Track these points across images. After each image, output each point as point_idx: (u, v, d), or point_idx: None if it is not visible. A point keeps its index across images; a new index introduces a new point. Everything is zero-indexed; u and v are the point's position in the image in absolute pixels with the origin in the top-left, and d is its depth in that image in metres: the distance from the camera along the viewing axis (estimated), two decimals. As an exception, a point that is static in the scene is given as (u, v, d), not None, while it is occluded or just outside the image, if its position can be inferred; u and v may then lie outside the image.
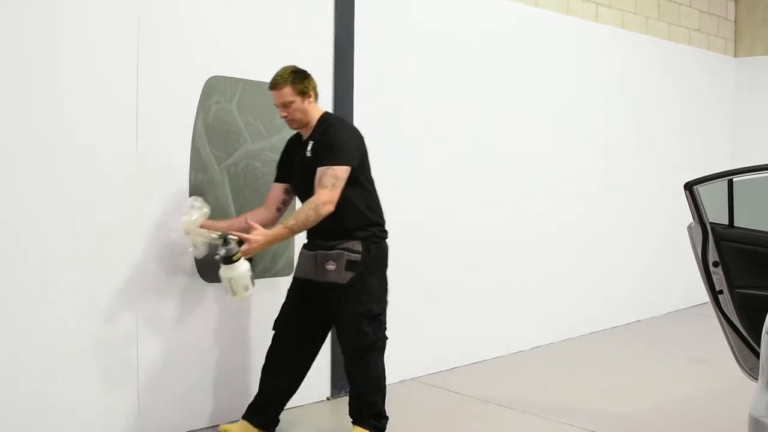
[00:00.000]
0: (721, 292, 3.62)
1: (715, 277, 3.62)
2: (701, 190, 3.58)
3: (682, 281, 6.61)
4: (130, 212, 3.56)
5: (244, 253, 3.39)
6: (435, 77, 4.91)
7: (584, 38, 6.01)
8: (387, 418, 3.66)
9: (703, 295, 3.88)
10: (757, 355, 3.42)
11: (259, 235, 3.37)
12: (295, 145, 3.66)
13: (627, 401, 4.43)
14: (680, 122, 7.02)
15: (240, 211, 3.84)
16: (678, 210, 4.59)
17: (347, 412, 3.69)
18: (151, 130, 3.60)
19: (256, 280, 3.54)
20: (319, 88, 4.25)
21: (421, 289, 4.85)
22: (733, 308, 3.59)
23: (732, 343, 3.65)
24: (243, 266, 3.42)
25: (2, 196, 3.17)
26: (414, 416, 4.16)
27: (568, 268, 5.91)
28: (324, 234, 3.48)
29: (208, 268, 3.64)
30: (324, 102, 4.27)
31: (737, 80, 7.76)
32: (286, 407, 3.77)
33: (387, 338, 3.64)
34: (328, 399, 4.39)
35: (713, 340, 4.42)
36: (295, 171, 3.60)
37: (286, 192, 3.69)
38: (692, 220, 3.67)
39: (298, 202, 3.72)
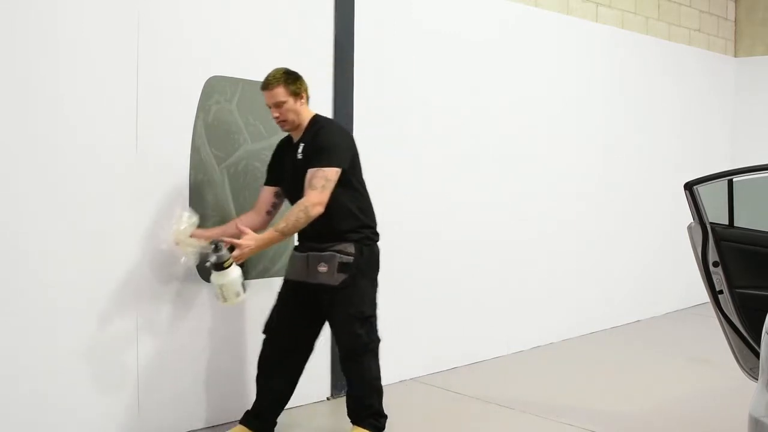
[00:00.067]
0: (721, 292, 3.62)
1: (715, 277, 3.62)
2: (701, 190, 3.58)
3: (682, 281, 6.61)
4: (130, 212, 3.56)
5: (236, 259, 3.37)
6: (435, 77, 4.91)
7: (584, 38, 6.02)
8: (386, 416, 3.66)
9: (703, 295, 3.87)
10: (757, 355, 3.42)
11: (250, 239, 3.35)
12: (285, 147, 3.64)
13: (627, 401, 4.43)
14: (680, 122, 7.02)
15: (240, 211, 3.84)
16: (678, 210, 4.59)
17: (346, 413, 3.69)
18: (151, 130, 3.60)
19: (251, 282, 3.55)
20: (319, 88, 4.28)
21: (421, 289, 4.85)
22: (733, 308, 3.59)
23: (732, 343, 3.65)
24: (234, 272, 3.40)
25: (2, 196, 3.17)
26: (414, 416, 4.16)
27: (568, 268, 5.91)
28: (316, 236, 3.47)
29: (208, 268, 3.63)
30: (324, 102, 4.28)
31: (737, 80, 7.76)
32: (286, 408, 3.77)
33: (380, 340, 3.64)
34: (328, 399, 4.39)
35: (713, 340, 4.41)
36: (286, 173, 3.58)
37: (276, 195, 3.67)
38: (692, 220, 3.67)
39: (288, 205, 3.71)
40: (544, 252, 5.70)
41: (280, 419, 3.73)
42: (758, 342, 3.13)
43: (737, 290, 3.58)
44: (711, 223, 3.61)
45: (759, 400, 2.61)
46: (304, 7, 4.22)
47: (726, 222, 3.67)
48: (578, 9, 5.99)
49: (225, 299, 3.45)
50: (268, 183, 3.70)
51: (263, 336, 3.67)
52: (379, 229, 4.55)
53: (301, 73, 4.16)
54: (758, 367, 2.77)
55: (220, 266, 3.35)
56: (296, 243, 3.62)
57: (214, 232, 3.58)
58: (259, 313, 3.80)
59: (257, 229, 3.54)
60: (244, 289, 3.48)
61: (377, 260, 3.63)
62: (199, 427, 3.87)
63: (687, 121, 7.11)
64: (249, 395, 3.81)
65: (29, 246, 3.26)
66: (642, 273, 6.63)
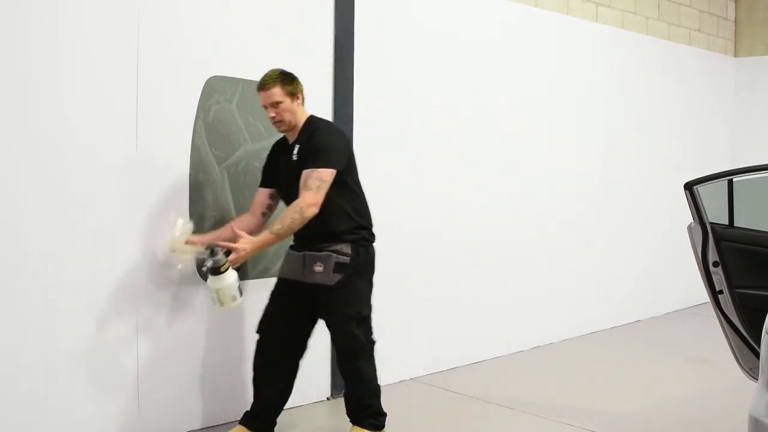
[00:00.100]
0: (721, 292, 3.62)
1: (715, 277, 3.62)
2: (701, 190, 3.58)
3: (682, 281, 6.61)
4: (130, 212, 3.56)
5: (232, 263, 3.36)
6: (435, 77, 4.91)
7: (584, 38, 6.01)
8: (385, 414, 3.66)
9: (703, 295, 3.87)
10: (757, 355, 3.42)
11: (245, 243, 3.35)
12: (281, 149, 3.64)
13: (627, 401, 4.43)
14: (680, 122, 7.02)
15: (240, 211, 3.84)
16: (678, 210, 4.59)
17: (345, 413, 3.69)
18: (151, 130, 3.60)
19: (252, 282, 3.54)
20: (319, 88, 4.28)
21: (421, 289, 4.85)
22: (733, 308, 3.59)
23: (732, 343, 3.65)
24: (231, 277, 3.38)
25: (2, 196, 3.17)
26: (414, 416, 4.16)
27: (568, 268, 5.91)
28: (312, 237, 3.46)
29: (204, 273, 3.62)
30: (324, 102, 4.29)
31: (737, 80, 7.76)
32: (286, 407, 3.77)
33: (375, 341, 3.63)
34: (328, 399, 4.39)
35: (713, 340, 4.41)
36: (281, 175, 3.57)
37: (271, 197, 3.67)
38: (692, 220, 3.67)
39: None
40: (544, 252, 5.70)
41: (280, 419, 3.73)
42: (758, 342, 3.13)
43: (737, 290, 3.58)
44: (711, 223, 3.61)
45: (759, 400, 2.61)
46: (304, 7, 4.22)
47: (726, 222, 3.67)
48: (578, 9, 5.99)
49: (222, 303, 3.44)
50: (263, 184, 3.69)
51: (257, 336, 3.66)
52: (379, 229, 4.55)
53: (301, 73, 4.16)
54: (758, 367, 2.77)
55: (216, 271, 3.34)
56: (291, 242, 3.61)
57: (209, 237, 3.58)
58: (258, 313, 3.79)
59: (253, 232, 3.54)
60: (241, 293, 3.47)
61: (373, 261, 3.63)
62: (199, 427, 3.87)
63: (687, 121, 7.11)
64: (248, 395, 3.81)
65: (29, 246, 3.26)
66: (642, 273, 6.63)
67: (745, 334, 3.57)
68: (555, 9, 5.77)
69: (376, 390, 3.64)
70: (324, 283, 3.46)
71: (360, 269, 3.53)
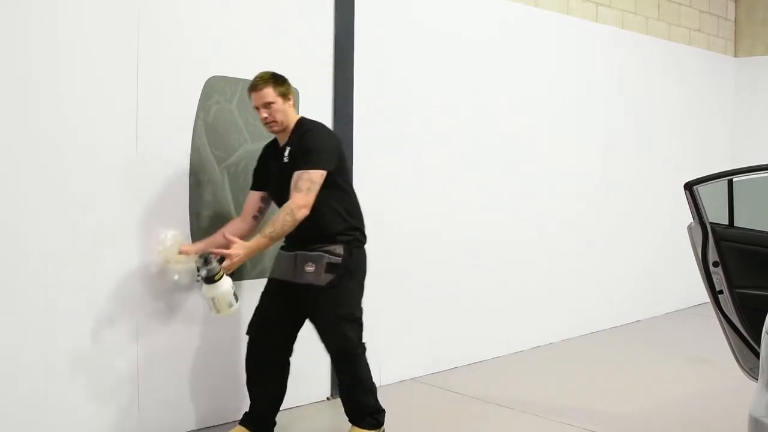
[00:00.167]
0: (721, 292, 3.61)
1: (715, 277, 3.62)
2: (701, 190, 3.58)
3: (682, 281, 6.61)
4: (130, 212, 3.56)
5: (227, 269, 3.35)
6: (435, 77, 4.91)
7: (584, 38, 6.02)
8: (383, 410, 3.66)
9: (703, 295, 3.87)
10: (757, 355, 3.42)
11: (238, 248, 3.34)
12: (271, 151, 3.63)
13: (627, 401, 4.43)
14: (680, 122, 7.02)
15: (240, 212, 3.84)
16: (678, 210, 4.59)
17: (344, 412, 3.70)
18: (151, 130, 3.60)
19: (252, 282, 3.53)
20: (319, 88, 4.29)
21: (421, 289, 4.86)
22: (733, 308, 3.59)
23: (732, 343, 3.65)
24: (226, 284, 3.37)
25: (2, 196, 3.17)
26: (414, 416, 4.16)
27: (568, 268, 5.91)
28: (304, 238, 3.45)
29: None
30: (324, 102, 4.29)
31: (737, 80, 7.76)
32: (286, 408, 3.77)
33: (365, 345, 3.62)
34: (328, 399, 4.39)
35: (713, 340, 4.41)
36: (273, 177, 3.56)
37: (263, 200, 3.66)
38: (692, 220, 3.67)
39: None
40: (544, 252, 5.70)
41: (280, 419, 3.73)
42: (758, 342, 3.13)
43: (737, 290, 3.58)
44: (711, 223, 3.61)
45: (759, 400, 2.61)
46: (304, 7, 4.23)
47: (726, 222, 3.67)
48: (578, 9, 5.99)
49: (218, 311, 3.43)
50: (254, 187, 3.69)
51: (247, 337, 3.66)
52: (379, 229, 4.56)
53: (301, 73, 4.18)
54: (758, 367, 2.77)
55: (210, 279, 3.32)
56: (282, 243, 3.59)
57: (201, 244, 3.58)
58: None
59: (245, 235, 3.54)
60: (237, 299, 3.46)
61: (365, 262, 3.62)
62: (199, 427, 3.87)
63: (687, 121, 7.11)
64: (248, 395, 3.80)
65: (29, 246, 3.26)
66: (642, 273, 6.63)
67: (745, 334, 3.57)
68: (555, 9, 5.77)
69: (371, 388, 3.64)
70: (315, 283, 3.45)
71: (352, 270, 3.52)
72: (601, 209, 6.20)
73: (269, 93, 3.45)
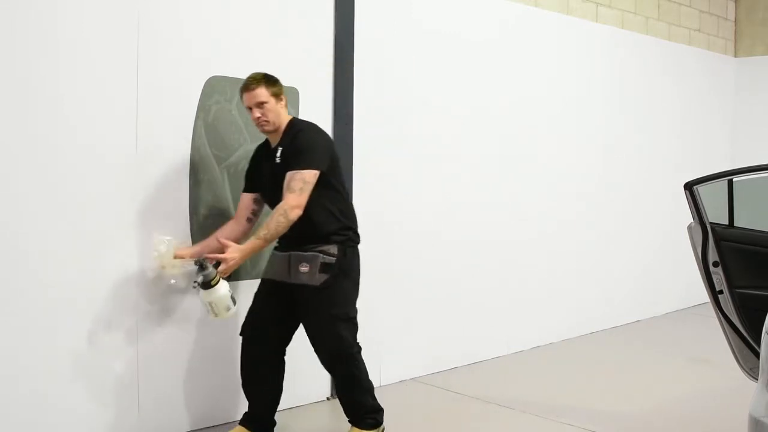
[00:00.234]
0: (721, 292, 3.61)
1: (715, 277, 3.62)
2: (701, 190, 3.58)
3: (682, 281, 6.61)
4: (130, 212, 3.56)
5: (222, 274, 3.35)
6: (435, 77, 4.91)
7: (584, 38, 6.01)
8: (381, 409, 3.66)
9: (703, 295, 3.88)
10: (757, 355, 3.42)
11: (234, 252, 3.34)
12: (263, 153, 3.63)
13: (627, 401, 4.43)
14: (680, 122, 7.02)
15: (240, 211, 3.84)
16: (678, 210, 4.59)
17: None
18: (151, 130, 3.60)
19: (251, 282, 3.53)
20: (319, 88, 4.29)
21: (421, 289, 4.85)
22: (733, 308, 3.58)
23: (732, 343, 3.65)
24: (222, 288, 3.37)
25: (2, 196, 3.17)
26: (414, 416, 4.16)
27: (568, 268, 5.91)
28: (298, 238, 3.44)
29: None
30: (324, 102, 4.29)
31: (737, 80, 7.76)
32: (286, 408, 3.78)
33: (360, 346, 3.61)
34: (328, 399, 4.39)
35: (713, 340, 4.41)
36: (265, 178, 3.56)
37: (256, 202, 3.65)
38: (692, 220, 3.67)
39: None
40: (544, 252, 5.70)
41: (280, 419, 3.73)
42: (758, 342, 3.13)
43: (737, 290, 3.58)
44: (711, 223, 3.61)
45: (759, 400, 2.61)
46: (304, 7, 4.22)
47: (726, 222, 3.67)
48: (578, 9, 5.99)
49: (216, 314, 3.43)
50: (246, 189, 3.68)
51: (239, 339, 3.65)
52: (379, 229, 4.58)
53: (301, 73, 4.19)
54: (758, 367, 2.77)
55: (207, 284, 3.32)
56: (276, 244, 3.58)
57: (196, 248, 3.58)
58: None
59: (239, 238, 3.54)
60: (234, 302, 3.46)
61: (359, 262, 3.62)
62: (199, 427, 3.87)
63: (687, 121, 7.11)
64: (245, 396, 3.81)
65: (29, 246, 3.26)
66: (642, 273, 6.63)
67: (745, 334, 3.57)
68: (555, 9, 5.77)
69: (369, 388, 3.63)
70: (310, 283, 3.44)
71: (346, 270, 3.52)
72: (601, 209, 6.20)
73: (262, 93, 3.45)
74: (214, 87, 3.80)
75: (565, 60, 5.85)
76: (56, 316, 3.34)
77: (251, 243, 3.39)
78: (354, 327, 3.58)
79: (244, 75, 3.84)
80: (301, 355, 3.74)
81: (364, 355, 3.62)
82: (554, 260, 5.77)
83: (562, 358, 5.41)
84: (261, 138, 3.77)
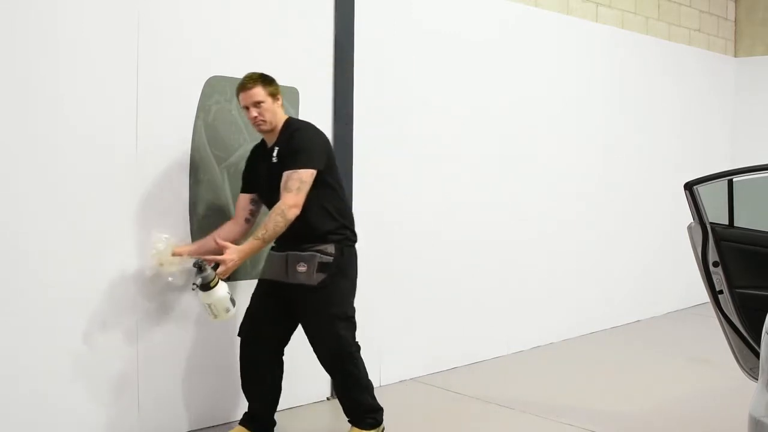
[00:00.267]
0: (721, 292, 3.61)
1: (715, 277, 3.62)
2: (701, 190, 3.58)
3: (682, 281, 6.61)
4: (130, 212, 3.56)
5: (221, 275, 3.34)
6: (435, 77, 4.91)
7: (584, 38, 6.02)
8: (381, 409, 3.66)
9: (703, 295, 3.88)
10: (757, 355, 3.42)
11: (232, 253, 3.34)
12: (259, 153, 3.63)
13: (627, 401, 4.43)
14: (680, 122, 7.02)
15: (240, 211, 3.84)
16: (678, 210, 4.59)
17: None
18: (151, 130, 3.60)
19: (251, 282, 3.52)
20: (319, 88, 4.29)
21: (421, 289, 4.85)
22: (733, 308, 3.59)
23: (732, 343, 3.65)
24: (221, 290, 3.36)
25: (2, 196, 3.17)
26: (414, 416, 4.16)
27: (568, 268, 5.91)
28: (296, 238, 3.43)
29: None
30: (324, 102, 4.29)
31: (737, 80, 7.76)
32: (286, 408, 3.78)
33: (359, 345, 3.61)
34: (328, 399, 4.39)
35: (713, 340, 4.41)
36: (262, 178, 3.56)
37: (253, 202, 3.65)
38: (692, 220, 3.67)
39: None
40: (544, 252, 5.70)
41: (280, 419, 3.73)
42: (758, 342, 3.13)
43: (737, 290, 3.58)
44: (711, 223, 3.61)
45: (759, 400, 2.61)
46: (304, 7, 4.22)
47: (726, 222, 3.67)
48: (578, 9, 5.99)
49: (215, 316, 3.43)
50: (244, 190, 3.68)
51: (239, 338, 3.65)
52: (379, 229, 4.58)
53: (301, 73, 4.18)
54: (758, 367, 2.77)
55: (206, 286, 3.32)
56: (272, 244, 3.58)
57: (194, 246, 3.58)
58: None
59: (238, 239, 3.54)
60: (234, 303, 3.45)
61: (356, 262, 3.62)
62: (199, 427, 3.87)
63: (687, 121, 7.11)
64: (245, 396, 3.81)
65: (29, 246, 3.26)
66: (642, 273, 6.63)
67: (745, 334, 3.57)
68: (555, 9, 5.77)
69: (368, 387, 3.63)
70: (307, 283, 3.44)
71: (344, 269, 3.52)
72: (601, 209, 6.20)
73: (259, 92, 3.45)
74: (214, 87, 3.80)
75: (565, 60, 5.85)
76: (56, 316, 3.34)
77: (250, 244, 3.39)
78: (352, 326, 3.58)
79: (243, 75, 3.85)
80: (300, 356, 3.74)
81: (364, 355, 3.63)
82: (554, 260, 5.77)
83: (562, 358, 5.41)
84: (259, 138, 3.77)
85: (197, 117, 3.76)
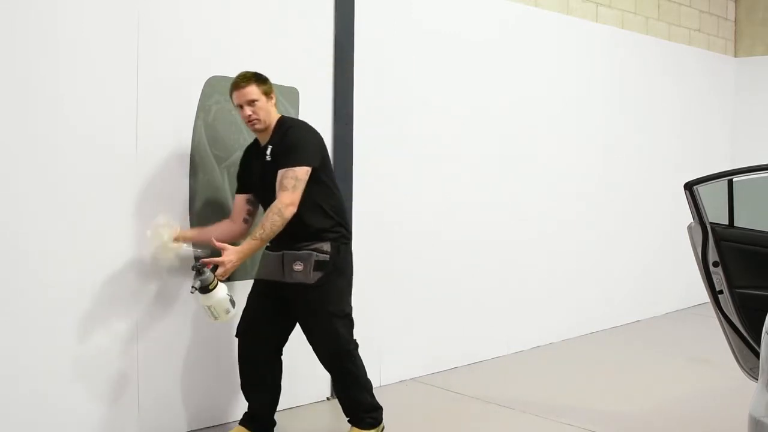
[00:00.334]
0: (721, 292, 3.62)
1: (715, 277, 3.62)
2: (701, 190, 3.58)
3: (682, 281, 6.61)
4: (130, 212, 3.56)
5: (220, 277, 3.33)
6: (435, 77, 4.91)
7: (584, 38, 6.02)
8: (381, 408, 3.66)
9: (703, 295, 3.88)
10: (757, 355, 3.42)
11: (231, 254, 3.33)
12: (253, 152, 3.63)
13: (627, 401, 4.43)
14: (680, 122, 7.02)
15: (240, 211, 3.83)
16: (678, 210, 4.59)
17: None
18: (151, 130, 3.60)
19: (251, 282, 3.52)
20: (319, 88, 4.29)
21: (421, 289, 4.85)
22: (733, 308, 3.59)
23: (732, 343, 3.65)
24: (221, 291, 3.35)
25: (2, 196, 3.17)
26: (414, 416, 4.16)
27: (568, 268, 5.91)
28: (291, 236, 3.43)
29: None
30: (324, 102, 4.29)
31: (737, 80, 7.76)
32: (286, 408, 3.78)
33: (357, 343, 3.61)
34: (328, 399, 4.39)
35: (713, 340, 4.41)
36: (255, 177, 3.56)
37: (249, 202, 3.65)
38: (692, 220, 3.67)
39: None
40: (544, 252, 5.70)
41: (280, 419, 3.73)
42: (758, 342, 3.13)
43: (737, 290, 3.58)
44: (711, 223, 3.61)
45: (759, 400, 2.61)
46: (304, 7, 4.22)
47: (726, 222, 3.67)
48: (578, 9, 5.99)
49: (216, 317, 3.42)
50: (239, 191, 3.68)
51: (237, 340, 3.65)
52: (379, 228, 4.57)
53: (301, 73, 4.18)
54: (758, 367, 2.77)
55: (206, 289, 3.31)
56: (267, 243, 3.56)
57: (194, 232, 3.60)
58: (259, 313, 3.79)
59: (237, 238, 3.55)
60: (234, 304, 3.45)
61: (352, 259, 3.62)
62: (199, 428, 3.87)
63: (687, 121, 7.11)
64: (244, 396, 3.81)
65: (29, 246, 3.26)
66: (642, 273, 6.63)
67: (745, 334, 3.57)
68: (555, 9, 5.77)
69: (366, 385, 3.63)
70: (304, 282, 3.44)
71: (341, 267, 3.52)
72: (601, 209, 6.20)
73: (253, 91, 3.45)
74: (214, 87, 3.80)
75: (565, 60, 5.85)
76: (56, 316, 3.34)
77: (248, 244, 3.38)
78: (350, 324, 3.58)
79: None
80: (300, 356, 3.74)
81: (364, 355, 3.63)
82: (554, 260, 5.77)
83: (562, 358, 5.41)
84: (254, 137, 3.77)
85: (197, 117, 3.76)
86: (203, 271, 3.29)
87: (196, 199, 3.77)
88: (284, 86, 4.04)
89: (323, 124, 4.14)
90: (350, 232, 3.62)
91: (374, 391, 3.69)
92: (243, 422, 3.68)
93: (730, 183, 3.62)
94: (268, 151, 3.49)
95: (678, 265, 6.35)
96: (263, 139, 3.56)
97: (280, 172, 3.38)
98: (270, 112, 3.51)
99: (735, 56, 7.82)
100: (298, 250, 3.45)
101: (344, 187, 4.23)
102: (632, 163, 6.49)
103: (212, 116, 3.82)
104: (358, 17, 4.44)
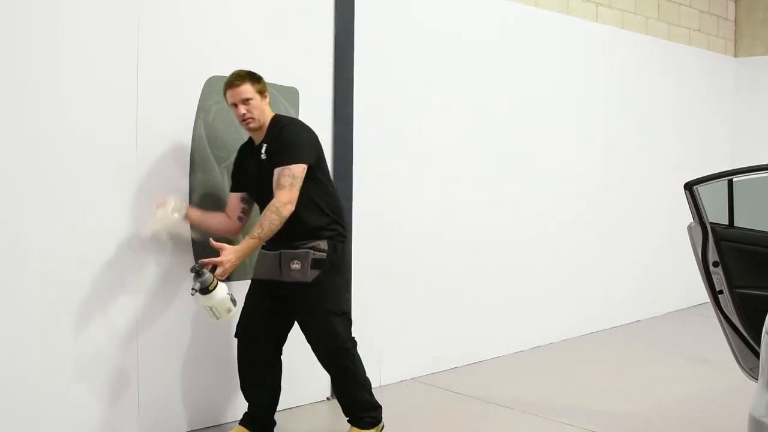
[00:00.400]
0: (721, 292, 3.61)
1: (715, 277, 3.62)
2: (701, 190, 3.58)
3: (682, 281, 6.61)
4: (130, 212, 3.56)
5: (220, 277, 3.33)
6: (435, 77, 4.91)
7: (584, 38, 6.02)
8: (380, 407, 3.67)
9: (703, 295, 3.88)
10: (757, 355, 3.42)
11: (229, 254, 3.33)
12: (247, 151, 3.63)
13: (627, 401, 4.43)
14: (680, 122, 7.02)
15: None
16: (678, 210, 4.59)
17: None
18: (151, 130, 3.60)
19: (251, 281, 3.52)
20: (319, 88, 4.29)
21: (421, 289, 4.85)
22: (733, 308, 3.59)
23: (732, 343, 3.65)
24: (221, 291, 3.34)
25: (2, 196, 3.17)
26: (414, 416, 4.16)
27: (568, 268, 5.91)
28: (288, 235, 3.42)
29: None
30: (324, 102, 4.29)
31: (737, 80, 7.76)
32: (286, 408, 3.77)
33: (356, 340, 3.61)
34: (328, 399, 4.39)
35: (713, 340, 4.41)
36: (250, 176, 3.56)
37: (244, 200, 3.65)
38: (692, 220, 3.67)
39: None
40: (544, 252, 5.70)
41: (280, 419, 3.73)
42: (758, 342, 3.13)
43: (737, 290, 3.58)
44: (711, 223, 3.61)
45: (759, 400, 2.61)
46: (304, 7, 4.22)
47: (726, 222, 3.67)
48: (578, 9, 5.99)
49: (217, 317, 3.42)
50: (233, 189, 3.68)
51: (236, 340, 3.65)
52: (379, 228, 4.57)
53: (301, 73, 4.18)
54: (758, 367, 2.77)
55: (206, 290, 3.30)
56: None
57: (198, 213, 3.63)
58: (259, 313, 3.79)
59: (231, 233, 3.59)
60: (234, 303, 3.44)
61: (349, 257, 3.63)
62: (199, 427, 3.87)
63: (687, 121, 7.11)
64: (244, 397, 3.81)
65: (29, 246, 3.26)
66: (642, 273, 6.63)
67: (745, 334, 3.57)
68: (555, 9, 5.77)
69: (365, 384, 3.64)
70: (302, 280, 3.43)
71: (338, 265, 3.53)
72: (601, 209, 6.20)
73: (247, 89, 3.45)
74: (214, 87, 3.79)
75: (565, 60, 5.85)
76: (56, 316, 3.34)
77: (246, 243, 3.38)
78: (348, 322, 3.58)
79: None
80: (300, 356, 3.74)
81: (364, 355, 3.63)
82: (554, 260, 5.77)
83: (562, 358, 5.41)
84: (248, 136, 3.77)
85: (197, 117, 3.76)
86: (202, 273, 3.29)
87: (196, 199, 3.77)
88: (284, 86, 4.04)
89: (323, 124, 4.15)
90: (347, 230, 3.63)
91: (374, 391, 3.69)
92: (243, 422, 3.68)
93: (730, 183, 3.62)
94: (263, 150, 3.49)
95: (678, 265, 6.35)
96: (257, 138, 3.56)
97: (277, 171, 3.38)
98: (264, 111, 3.51)
99: (735, 56, 7.82)
100: (296, 249, 3.45)
101: (344, 187, 4.23)
102: (632, 163, 6.49)
103: (212, 116, 3.82)
104: (358, 17, 4.44)
